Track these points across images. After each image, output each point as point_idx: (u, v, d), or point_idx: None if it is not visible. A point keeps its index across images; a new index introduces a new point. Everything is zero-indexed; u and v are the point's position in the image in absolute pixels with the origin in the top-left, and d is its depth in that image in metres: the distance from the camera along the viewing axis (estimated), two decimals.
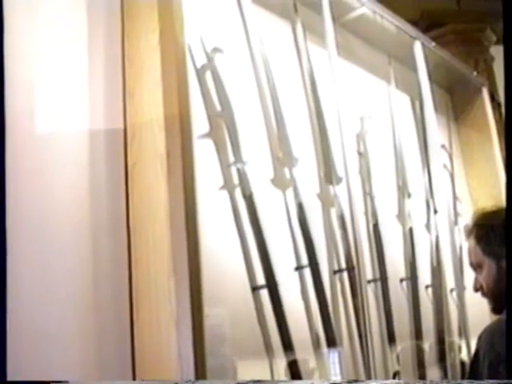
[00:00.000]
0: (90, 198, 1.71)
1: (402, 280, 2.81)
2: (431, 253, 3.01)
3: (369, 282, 2.48)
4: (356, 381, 2.41)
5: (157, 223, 1.71)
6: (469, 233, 1.83)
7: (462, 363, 3.05)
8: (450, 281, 3.06)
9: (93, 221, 1.70)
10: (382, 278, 2.61)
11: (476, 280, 1.80)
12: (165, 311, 1.65)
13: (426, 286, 2.95)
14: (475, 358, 1.59)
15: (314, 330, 2.25)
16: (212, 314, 1.76)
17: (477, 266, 1.78)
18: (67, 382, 1.51)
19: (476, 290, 1.80)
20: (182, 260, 1.65)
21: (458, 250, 3.07)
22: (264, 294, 2.01)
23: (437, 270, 2.97)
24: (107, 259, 1.72)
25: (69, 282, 1.61)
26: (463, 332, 3.10)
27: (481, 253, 1.76)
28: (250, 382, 1.69)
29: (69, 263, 1.62)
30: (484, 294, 1.78)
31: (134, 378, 1.67)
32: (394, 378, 2.79)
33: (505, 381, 1.49)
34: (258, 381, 1.74)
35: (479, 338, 1.61)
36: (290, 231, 2.19)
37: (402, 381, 2.75)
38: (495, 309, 1.73)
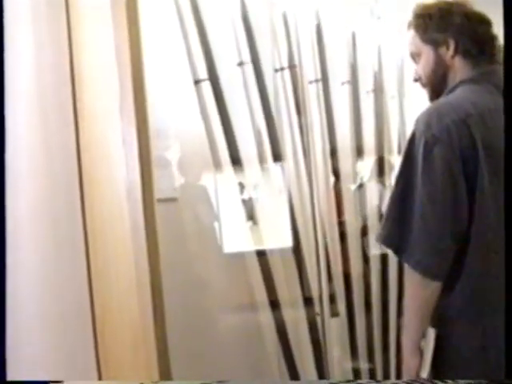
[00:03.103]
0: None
1: (343, 83, 2.83)
2: (373, 58, 3.01)
3: (310, 82, 2.49)
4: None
5: None
6: (409, 24, 1.83)
7: None
8: (390, 88, 3.10)
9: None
10: (324, 78, 2.62)
11: (416, 71, 1.82)
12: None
13: (367, 91, 2.97)
14: (411, 140, 1.63)
15: (256, 126, 2.28)
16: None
17: (416, 56, 1.80)
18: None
19: (415, 80, 1.82)
20: (124, 53, 1.62)
21: (400, 59, 3.09)
22: (206, 87, 2.01)
23: (378, 75, 2.99)
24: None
25: None
26: (403, 143, 3.17)
27: (419, 41, 1.77)
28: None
29: None
30: (423, 84, 1.80)
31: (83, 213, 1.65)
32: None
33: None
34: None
35: (417, 121, 1.65)
36: (233, 26, 2.15)
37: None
38: (433, 97, 1.77)
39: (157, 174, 1.68)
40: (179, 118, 1.96)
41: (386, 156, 3.16)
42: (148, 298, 1.61)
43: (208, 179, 2.21)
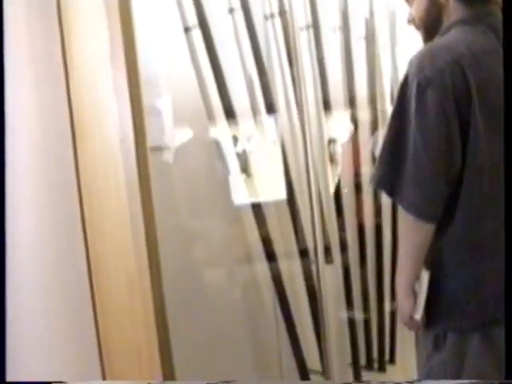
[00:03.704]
0: None
1: (334, 30, 2.79)
2: (364, 4, 2.97)
3: (301, 29, 2.45)
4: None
5: None
6: None
7: None
8: (382, 35, 3.06)
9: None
10: (315, 25, 2.59)
11: (409, 13, 1.80)
12: None
13: (359, 38, 2.93)
14: (404, 82, 1.62)
15: (248, 76, 2.26)
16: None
17: None
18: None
19: (409, 22, 1.80)
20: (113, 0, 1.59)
21: (392, 5, 3.05)
22: (197, 34, 1.99)
23: (370, 22, 2.95)
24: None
25: None
26: (395, 91, 3.13)
27: None
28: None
29: None
30: (416, 26, 1.79)
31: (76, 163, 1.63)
32: (329, 144, 2.86)
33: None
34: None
35: (410, 63, 1.63)
36: None
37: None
38: (427, 39, 1.75)
39: (149, 122, 1.67)
40: (170, 68, 1.94)
41: (378, 105, 3.13)
42: (143, 248, 1.61)
43: (201, 131, 2.20)
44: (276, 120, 2.48)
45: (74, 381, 1.56)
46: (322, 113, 2.78)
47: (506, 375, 1.49)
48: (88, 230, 1.61)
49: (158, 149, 1.86)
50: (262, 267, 2.41)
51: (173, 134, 1.95)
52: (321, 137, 2.78)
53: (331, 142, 2.86)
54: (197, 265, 2.21)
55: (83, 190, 1.58)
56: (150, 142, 1.64)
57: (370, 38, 2.96)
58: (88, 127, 1.60)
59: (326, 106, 2.79)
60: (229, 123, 2.22)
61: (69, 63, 1.66)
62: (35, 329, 1.53)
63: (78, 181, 1.59)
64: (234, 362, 2.29)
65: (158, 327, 1.64)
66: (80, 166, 1.59)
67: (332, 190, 2.85)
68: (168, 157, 1.95)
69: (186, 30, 1.96)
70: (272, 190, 2.48)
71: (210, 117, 2.17)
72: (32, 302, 1.53)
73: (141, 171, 1.57)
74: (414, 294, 1.69)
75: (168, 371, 1.69)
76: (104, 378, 1.67)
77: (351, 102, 2.96)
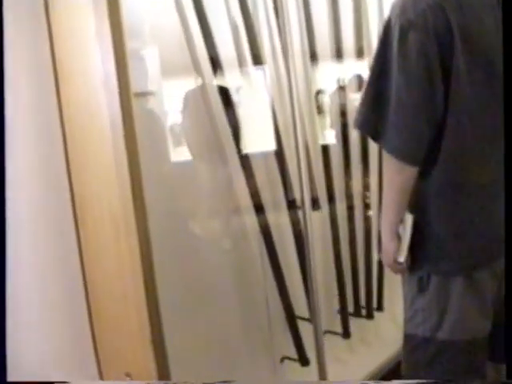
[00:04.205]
0: None
1: None
2: None
3: None
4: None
5: None
6: None
7: None
8: None
9: None
10: None
11: None
12: None
13: None
14: (386, 25, 1.61)
15: (234, 24, 2.24)
16: None
17: None
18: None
19: None
20: None
21: None
22: None
23: None
24: None
25: None
26: None
27: None
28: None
29: None
30: None
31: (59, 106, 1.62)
32: (316, 95, 2.83)
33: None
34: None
35: (392, 6, 1.62)
36: None
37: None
38: None
39: (132, 68, 1.66)
40: (155, 16, 1.92)
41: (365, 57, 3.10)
42: (128, 191, 1.62)
43: (189, 81, 2.18)
44: (263, 71, 2.46)
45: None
46: (309, 63, 2.76)
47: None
48: (72, 173, 1.61)
49: (143, 95, 1.86)
50: (250, 217, 2.42)
51: (159, 82, 1.94)
52: (308, 88, 2.76)
53: (319, 93, 2.84)
54: (184, 214, 2.22)
55: (67, 133, 1.59)
56: (135, 88, 1.63)
57: None
58: (71, 70, 1.60)
59: (313, 56, 2.76)
60: (216, 74, 2.21)
61: (51, 10, 1.65)
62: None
63: (62, 124, 1.59)
64: (222, 309, 2.32)
65: (144, 274, 1.65)
66: (64, 110, 1.59)
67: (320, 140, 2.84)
68: (154, 104, 1.94)
69: None
70: (260, 142, 2.48)
71: (197, 67, 2.15)
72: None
73: (124, 114, 1.57)
74: (398, 237, 1.70)
75: (155, 317, 1.70)
76: (92, 332, 1.70)
77: (338, 53, 2.93)
